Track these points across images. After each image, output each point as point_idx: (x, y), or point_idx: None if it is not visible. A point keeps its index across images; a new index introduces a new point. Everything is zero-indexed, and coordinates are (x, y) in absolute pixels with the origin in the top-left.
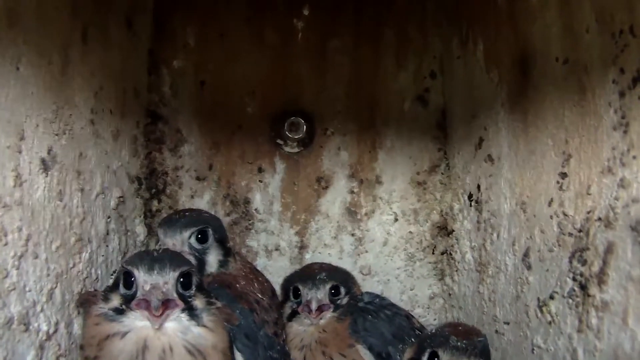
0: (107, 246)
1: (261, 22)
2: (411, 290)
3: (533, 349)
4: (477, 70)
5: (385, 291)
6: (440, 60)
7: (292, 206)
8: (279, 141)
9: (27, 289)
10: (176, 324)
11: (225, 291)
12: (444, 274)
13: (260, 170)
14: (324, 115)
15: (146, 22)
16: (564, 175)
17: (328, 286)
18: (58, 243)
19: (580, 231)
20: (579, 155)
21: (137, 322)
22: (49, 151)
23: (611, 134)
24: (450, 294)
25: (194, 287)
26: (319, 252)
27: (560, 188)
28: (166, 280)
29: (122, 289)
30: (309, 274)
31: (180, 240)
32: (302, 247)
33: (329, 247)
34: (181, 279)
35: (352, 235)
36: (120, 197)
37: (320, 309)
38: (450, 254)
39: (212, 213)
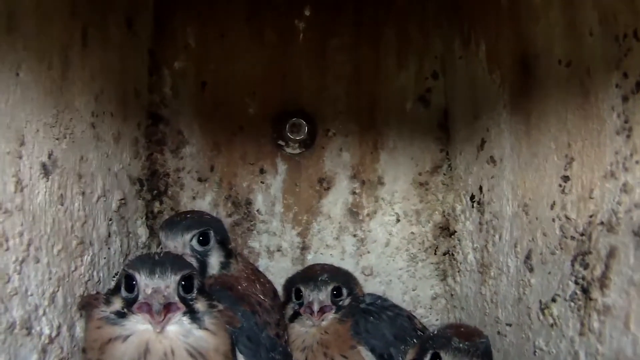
0: (108, 248)
1: (262, 22)
2: (413, 290)
3: (535, 351)
4: (479, 70)
5: (387, 292)
6: (441, 61)
7: (294, 207)
8: (280, 142)
9: (29, 293)
10: (178, 327)
11: (227, 293)
12: (446, 275)
13: (261, 171)
14: (326, 116)
15: (147, 23)
16: (566, 178)
17: (330, 287)
18: (59, 247)
19: (582, 235)
20: (581, 159)
21: (139, 325)
22: (50, 156)
23: (614, 138)
24: (452, 295)
25: (195, 290)
26: (321, 253)
27: (563, 191)
28: (167, 283)
29: (123, 292)
30: (311, 276)
31: (182, 243)
32: (304, 248)
33: (331, 248)
34: (182, 282)
35: (354, 236)
36: (122, 199)
37: (323, 310)
38: (453, 254)
39: (214, 214)
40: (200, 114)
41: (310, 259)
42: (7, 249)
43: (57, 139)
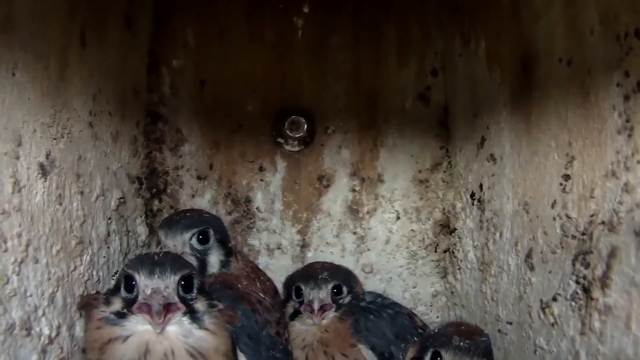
0: (108, 247)
1: (261, 21)
2: (414, 288)
3: (536, 350)
4: (479, 68)
5: (387, 289)
6: (442, 58)
7: (294, 205)
8: (279, 140)
9: (28, 294)
10: (178, 327)
11: (227, 292)
12: (446, 272)
13: (261, 169)
14: (325, 114)
15: (146, 22)
16: (567, 177)
17: (330, 286)
18: (58, 247)
19: (583, 234)
20: (582, 158)
21: (139, 326)
22: (47, 156)
23: (615, 138)
24: (452, 292)
25: (195, 290)
26: (321, 251)
27: (564, 190)
28: (167, 284)
29: (123, 293)
30: (311, 274)
31: (182, 242)
32: (304, 246)
33: (331, 246)
34: (182, 282)
35: (354, 233)
36: (121, 198)
37: (323, 308)
38: (453, 252)
39: (214, 212)
40: (199, 112)
41: (310, 256)
42: (6, 250)
43: (54, 139)
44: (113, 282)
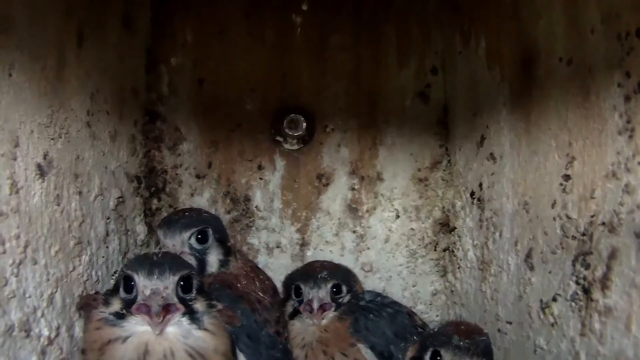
0: (107, 247)
1: (260, 19)
2: (413, 286)
3: (535, 350)
4: (479, 67)
5: (387, 288)
6: (441, 56)
7: (293, 203)
8: (278, 138)
9: (27, 295)
10: (177, 328)
11: (226, 291)
12: (446, 271)
13: (260, 167)
14: (324, 112)
15: (144, 20)
16: (567, 177)
17: (330, 285)
18: (57, 248)
19: (583, 235)
20: (582, 158)
21: (138, 326)
22: (45, 156)
23: (616, 138)
24: (452, 291)
25: (194, 290)
26: (321, 249)
27: (564, 190)
28: (166, 284)
29: (122, 293)
30: (310, 273)
31: (180, 241)
32: (304, 245)
33: (331, 244)
34: (181, 283)
35: (354, 232)
36: (120, 197)
37: (322, 307)
38: (453, 251)
39: (213, 211)
40: (197, 111)
41: (310, 255)
42: (4, 252)
43: (52, 139)
44: (112, 282)
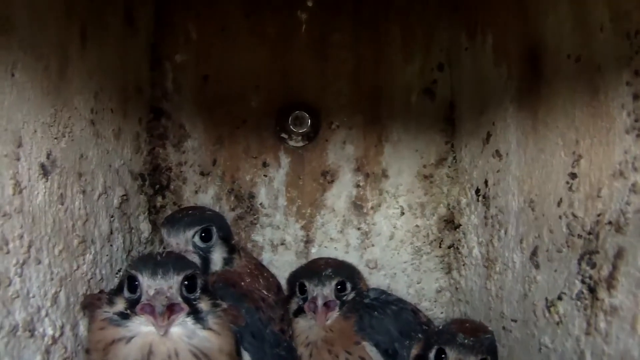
0: (111, 246)
1: (264, 15)
2: (418, 283)
3: (540, 348)
4: (486, 63)
5: (392, 285)
6: (447, 53)
7: (298, 200)
8: (283, 135)
9: (30, 295)
10: (181, 328)
11: (230, 290)
12: (451, 268)
13: (264, 164)
14: (329, 109)
15: (147, 17)
16: (573, 175)
17: (334, 282)
18: (61, 247)
19: (590, 234)
20: (589, 157)
21: (142, 327)
22: (49, 156)
23: (624, 137)
24: (457, 288)
25: (198, 290)
26: (325, 247)
27: (570, 189)
28: (170, 284)
29: (126, 293)
30: (315, 270)
31: (184, 240)
32: (308, 242)
33: (335, 241)
34: (185, 282)
35: (358, 229)
36: (124, 195)
37: (327, 305)
38: (457, 248)
39: (217, 208)
40: (202, 108)
41: (314, 252)
42: (8, 252)
43: (55, 139)
44: (116, 280)
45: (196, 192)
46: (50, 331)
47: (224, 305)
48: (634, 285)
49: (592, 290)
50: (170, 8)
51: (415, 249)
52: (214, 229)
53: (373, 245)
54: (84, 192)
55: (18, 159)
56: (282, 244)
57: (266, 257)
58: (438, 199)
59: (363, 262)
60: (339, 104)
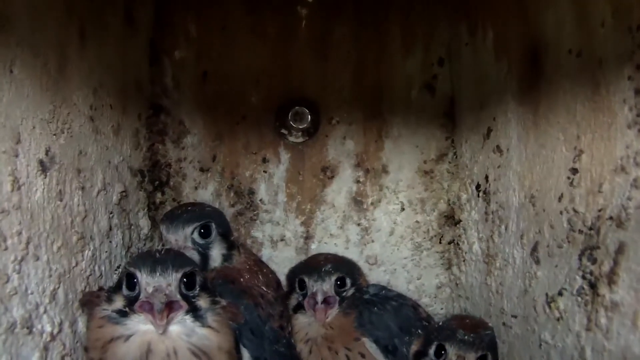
0: (110, 242)
1: (263, 11)
2: (418, 279)
3: (540, 344)
4: (486, 58)
5: (392, 281)
6: (448, 47)
7: (297, 196)
8: (283, 131)
9: (29, 291)
10: (180, 326)
11: (229, 287)
12: (451, 264)
13: (264, 160)
14: (329, 104)
15: (147, 14)
16: (575, 171)
17: (334, 278)
18: (59, 243)
19: (590, 229)
20: (591, 152)
21: (141, 325)
22: (47, 152)
23: (625, 132)
24: (457, 284)
25: (197, 287)
26: (325, 242)
27: (571, 184)
28: (169, 281)
29: (125, 291)
30: (314, 266)
31: (183, 236)
32: (308, 238)
33: (335, 237)
34: (184, 280)
35: (358, 225)
36: (123, 191)
37: (327, 301)
38: (458, 244)
39: (217, 204)
40: (201, 104)
41: (314, 248)
42: (6, 249)
43: (54, 135)
44: (116, 277)
45: (196, 188)
46: (48, 328)
47: (223, 302)
48: (635, 280)
49: (592, 286)
50: (169, 4)
51: (416, 244)
52: (213, 225)
53: (373, 241)
54: (82, 188)
55: (16, 156)
56: (281, 240)
57: (266, 253)
58: (438, 195)
59: (363, 258)
60: (339, 100)
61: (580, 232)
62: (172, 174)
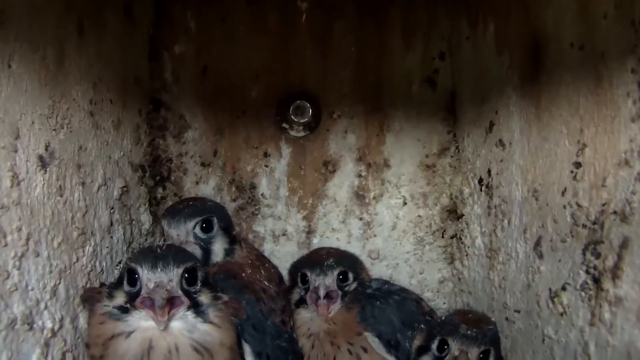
0: (111, 237)
1: (263, 4)
2: (420, 274)
3: (544, 339)
4: (487, 52)
5: (394, 275)
6: (449, 41)
7: (299, 191)
8: (284, 125)
9: (29, 288)
10: (182, 322)
11: (231, 282)
12: (453, 258)
13: (265, 155)
14: (330, 98)
15: (146, 8)
16: (578, 165)
17: (336, 272)
18: (60, 239)
19: (594, 223)
20: (594, 145)
21: (142, 321)
22: (47, 147)
23: (629, 126)
24: (459, 279)
25: (199, 283)
26: (327, 237)
27: (575, 178)
28: (170, 277)
29: (126, 287)
30: (316, 260)
31: (185, 231)
32: (310, 232)
33: (337, 232)
34: (186, 275)
35: (361, 219)
36: (124, 186)
37: (329, 296)
38: (460, 238)
39: (218, 199)
40: (202, 99)
41: (316, 242)
42: (5, 245)
43: (54, 130)
44: (117, 273)
45: (197, 183)
46: (49, 324)
47: (225, 297)
48: (639, 275)
49: (596, 281)
50: (169, 1)
51: (418, 239)
52: (215, 220)
53: (375, 236)
54: (83, 183)
55: (16, 151)
56: (283, 234)
57: (267, 248)
58: (440, 189)
59: (365, 252)
60: (340, 94)
61: (584, 226)
62: (173, 168)
